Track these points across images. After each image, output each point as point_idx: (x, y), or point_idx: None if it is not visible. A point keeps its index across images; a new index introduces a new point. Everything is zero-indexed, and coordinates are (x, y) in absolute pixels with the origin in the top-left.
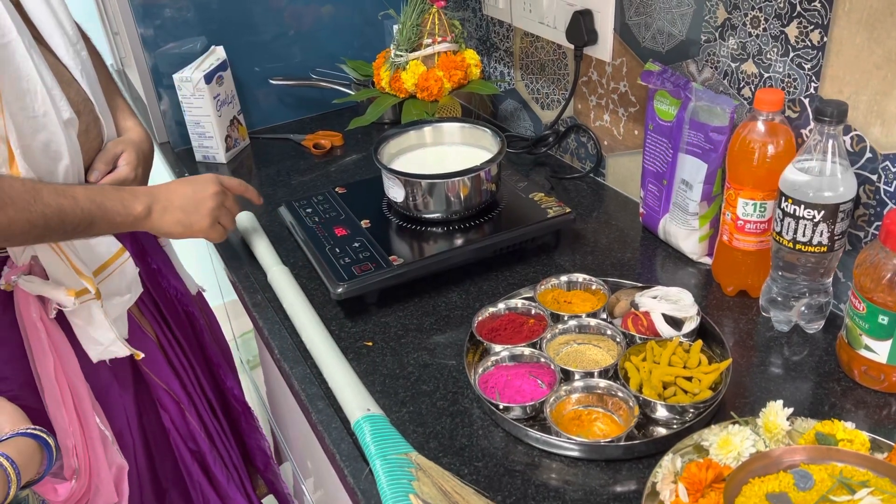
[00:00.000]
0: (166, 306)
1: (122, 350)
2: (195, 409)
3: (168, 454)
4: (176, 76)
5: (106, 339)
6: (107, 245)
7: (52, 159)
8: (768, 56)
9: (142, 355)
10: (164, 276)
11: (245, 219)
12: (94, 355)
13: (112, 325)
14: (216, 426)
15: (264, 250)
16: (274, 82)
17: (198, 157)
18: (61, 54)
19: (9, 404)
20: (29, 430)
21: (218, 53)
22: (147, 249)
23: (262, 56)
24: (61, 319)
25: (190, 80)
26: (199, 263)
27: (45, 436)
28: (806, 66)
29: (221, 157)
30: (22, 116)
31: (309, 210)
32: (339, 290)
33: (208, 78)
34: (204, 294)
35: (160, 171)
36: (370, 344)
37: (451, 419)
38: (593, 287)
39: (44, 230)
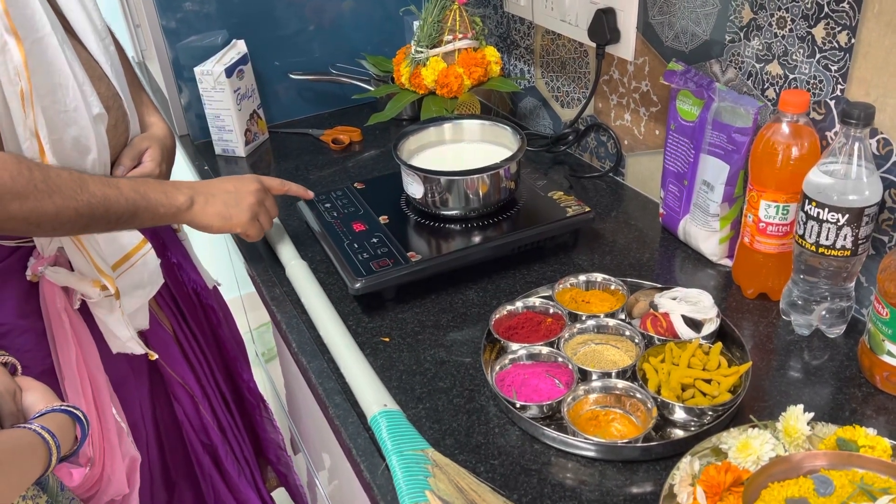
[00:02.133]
0: (184, 300)
1: (138, 348)
2: (209, 403)
3: (180, 447)
4: (197, 69)
5: (123, 335)
6: (129, 236)
7: (81, 153)
8: (794, 57)
9: (156, 356)
10: (183, 271)
11: None
12: (115, 347)
13: (128, 324)
14: (229, 420)
15: (283, 244)
16: (294, 77)
17: (217, 150)
18: (93, 49)
19: (37, 383)
20: (63, 407)
21: (239, 47)
22: (167, 244)
23: (283, 50)
24: (84, 311)
25: (211, 74)
26: (214, 257)
27: (77, 412)
28: (832, 68)
29: (241, 150)
30: (53, 111)
31: (328, 205)
32: (357, 285)
33: (229, 71)
34: (219, 289)
35: (180, 164)
36: (387, 340)
37: (467, 416)
38: (612, 287)
39: (89, 219)
